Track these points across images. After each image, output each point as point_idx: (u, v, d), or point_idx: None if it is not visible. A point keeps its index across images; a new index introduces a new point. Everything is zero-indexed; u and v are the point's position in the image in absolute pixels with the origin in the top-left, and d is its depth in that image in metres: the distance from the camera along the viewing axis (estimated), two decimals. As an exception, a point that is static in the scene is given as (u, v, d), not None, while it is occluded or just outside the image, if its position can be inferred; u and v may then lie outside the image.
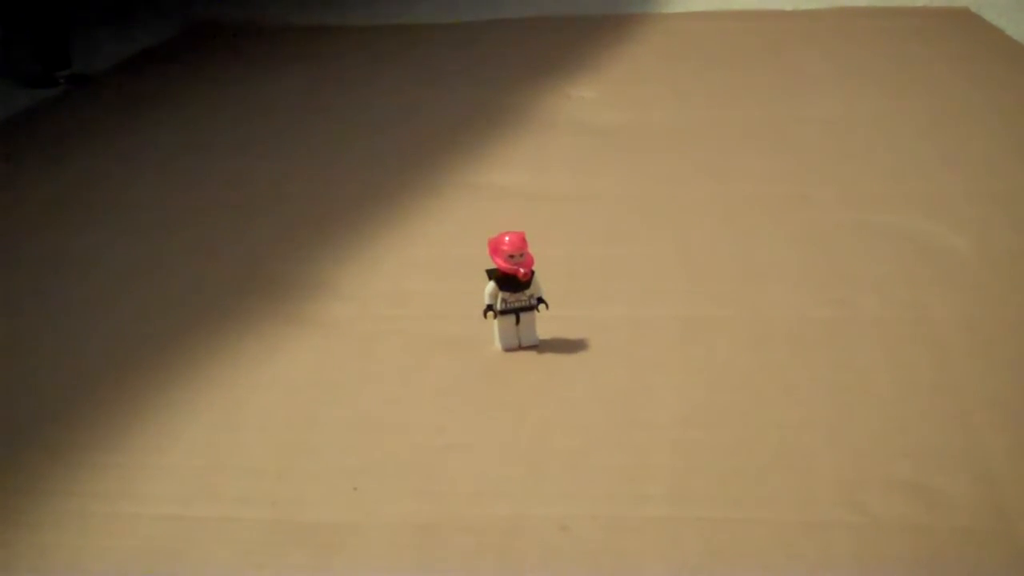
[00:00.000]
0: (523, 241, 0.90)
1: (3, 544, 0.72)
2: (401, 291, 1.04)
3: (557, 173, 1.31)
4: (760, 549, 0.69)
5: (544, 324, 0.93)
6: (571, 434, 0.81)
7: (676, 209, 1.19)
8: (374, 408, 0.86)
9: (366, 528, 0.72)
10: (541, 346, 0.93)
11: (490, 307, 0.91)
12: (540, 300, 0.92)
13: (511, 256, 0.89)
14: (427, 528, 0.72)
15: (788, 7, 2.05)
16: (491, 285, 0.91)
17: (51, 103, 1.69)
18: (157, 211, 1.25)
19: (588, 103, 1.56)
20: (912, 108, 1.47)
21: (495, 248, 0.90)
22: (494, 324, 0.92)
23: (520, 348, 0.92)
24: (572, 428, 0.82)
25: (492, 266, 0.91)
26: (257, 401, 0.87)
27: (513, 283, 0.90)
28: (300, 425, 0.84)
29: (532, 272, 0.90)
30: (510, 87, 1.65)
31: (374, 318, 0.99)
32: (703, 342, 0.93)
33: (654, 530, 0.71)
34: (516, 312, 0.91)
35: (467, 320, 0.94)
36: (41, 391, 0.90)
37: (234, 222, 1.21)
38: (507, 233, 0.90)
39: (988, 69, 1.63)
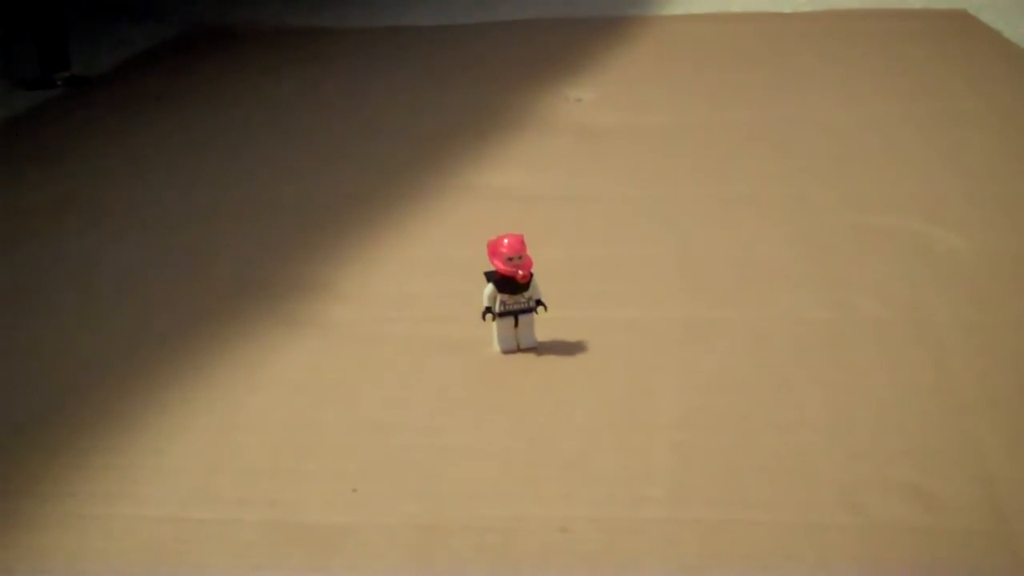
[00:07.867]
0: (522, 244, 0.90)
1: (2, 546, 0.72)
2: (400, 293, 1.04)
3: (556, 175, 1.31)
4: (759, 551, 0.69)
5: (543, 326, 0.93)
6: (570, 436, 0.81)
7: (675, 210, 1.19)
8: (373, 409, 0.86)
9: (365, 529, 0.72)
10: (539, 348, 0.93)
11: (489, 309, 0.91)
12: (539, 302, 0.92)
13: (510, 259, 0.89)
14: (426, 529, 0.72)
15: (787, 9, 2.05)
16: (490, 287, 0.91)
17: (50, 105, 1.69)
18: (156, 212, 1.25)
19: (587, 104, 1.56)
20: (910, 110, 1.47)
21: (494, 250, 0.90)
22: (493, 326, 0.92)
23: (519, 350, 0.92)
24: (571, 430, 0.82)
25: (490, 268, 0.91)
26: (256, 402, 0.87)
27: (512, 285, 0.90)
28: (299, 427, 0.84)
29: (531, 274, 0.91)
30: (508, 89, 1.65)
31: (373, 320, 0.99)
32: (702, 344, 0.93)
33: (653, 531, 0.71)
34: (515, 314, 0.91)
35: (466, 322, 0.94)
36: (40, 392, 0.90)
37: (233, 223, 1.21)
38: (506, 236, 0.90)
39: (986, 71, 1.63)
